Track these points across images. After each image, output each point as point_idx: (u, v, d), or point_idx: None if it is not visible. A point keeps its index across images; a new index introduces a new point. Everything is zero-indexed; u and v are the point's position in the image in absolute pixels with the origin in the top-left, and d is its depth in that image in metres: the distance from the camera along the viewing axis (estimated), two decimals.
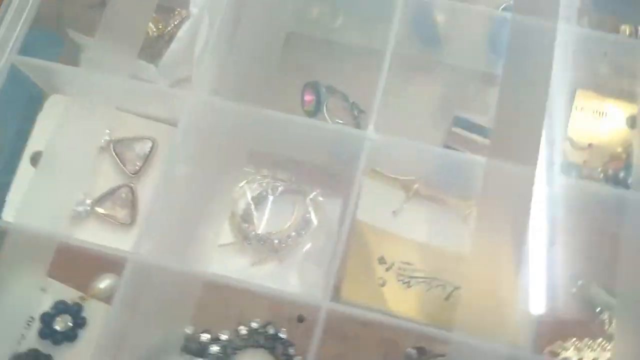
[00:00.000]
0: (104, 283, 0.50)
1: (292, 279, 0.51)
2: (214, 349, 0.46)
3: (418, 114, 0.58)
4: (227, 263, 0.51)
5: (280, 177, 0.54)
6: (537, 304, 0.47)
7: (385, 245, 0.49)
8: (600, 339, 0.52)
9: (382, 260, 0.49)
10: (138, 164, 0.54)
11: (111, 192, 0.54)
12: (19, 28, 0.54)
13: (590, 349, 0.52)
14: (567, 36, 0.48)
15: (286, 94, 0.57)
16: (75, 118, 0.53)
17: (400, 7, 0.52)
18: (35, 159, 0.55)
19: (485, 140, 0.53)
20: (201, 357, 0.46)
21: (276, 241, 0.52)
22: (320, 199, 0.53)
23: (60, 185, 0.51)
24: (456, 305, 0.47)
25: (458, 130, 0.56)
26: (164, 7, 0.59)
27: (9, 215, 0.52)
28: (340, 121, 0.56)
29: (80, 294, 0.50)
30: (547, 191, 0.45)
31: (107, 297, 0.50)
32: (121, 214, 0.53)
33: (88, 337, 0.49)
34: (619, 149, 0.56)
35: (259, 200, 0.53)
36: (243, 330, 0.47)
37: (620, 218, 0.48)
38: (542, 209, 0.45)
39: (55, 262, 0.47)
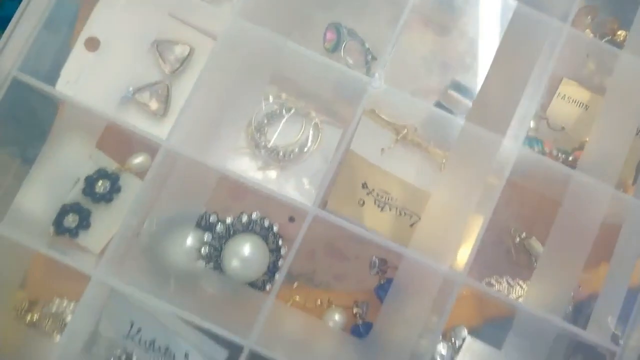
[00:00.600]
0: (137, 160, 0.59)
1: (289, 187, 0.60)
2: (220, 227, 0.57)
3: (422, 70, 0.65)
4: (239, 164, 0.60)
5: (294, 101, 0.63)
6: (482, 244, 0.53)
7: (370, 174, 0.59)
8: (529, 281, 0.62)
9: (364, 186, 0.59)
10: (176, 65, 0.63)
11: (150, 86, 0.62)
12: None
13: (520, 287, 0.64)
14: (558, 32, 0.54)
15: (311, 29, 0.64)
16: (131, 14, 0.60)
17: None
18: (89, 43, 0.62)
19: None
20: (209, 231, 0.57)
21: (281, 153, 0.61)
22: (324, 126, 0.62)
23: (112, 70, 0.59)
24: (416, 231, 0.57)
25: (453, 92, 0.64)
26: None
27: (61, 86, 0.61)
28: (352, 62, 0.63)
29: (118, 165, 0.59)
30: (508, 157, 0.53)
31: (138, 172, 0.60)
32: (155, 106, 0.62)
33: (121, 201, 0.59)
34: (587, 139, 0.62)
35: (273, 117, 0.63)
36: (244, 218, 0.58)
37: (564, 191, 0.57)
38: (501, 170, 0.53)
39: (101, 136, 0.56)
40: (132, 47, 0.60)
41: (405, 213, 0.59)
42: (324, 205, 0.56)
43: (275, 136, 0.61)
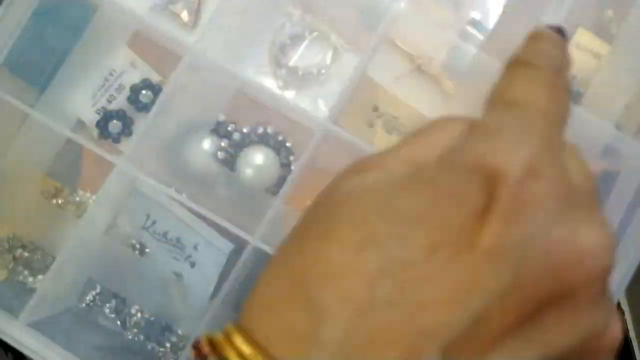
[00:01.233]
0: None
1: (305, 104, 0.64)
2: (236, 135, 0.60)
3: (448, 3, 0.67)
4: (260, 80, 0.64)
5: (318, 24, 0.65)
6: None
7: (382, 99, 0.62)
8: None
9: (375, 109, 0.62)
10: None
11: None
12: None
13: None
14: None
15: None
16: None
17: None
18: None
19: None
20: (225, 138, 0.60)
21: (300, 73, 0.64)
22: (343, 50, 0.65)
23: None
24: None
25: (471, 29, 0.66)
26: None
27: None
28: None
29: (161, 77, 0.63)
30: None
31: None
32: (187, 17, 0.65)
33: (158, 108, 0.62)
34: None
35: (296, 38, 0.65)
36: (260, 129, 0.61)
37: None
38: None
39: (144, 48, 0.59)
40: None
41: None
42: (335, 121, 0.60)
43: (297, 57, 0.64)
